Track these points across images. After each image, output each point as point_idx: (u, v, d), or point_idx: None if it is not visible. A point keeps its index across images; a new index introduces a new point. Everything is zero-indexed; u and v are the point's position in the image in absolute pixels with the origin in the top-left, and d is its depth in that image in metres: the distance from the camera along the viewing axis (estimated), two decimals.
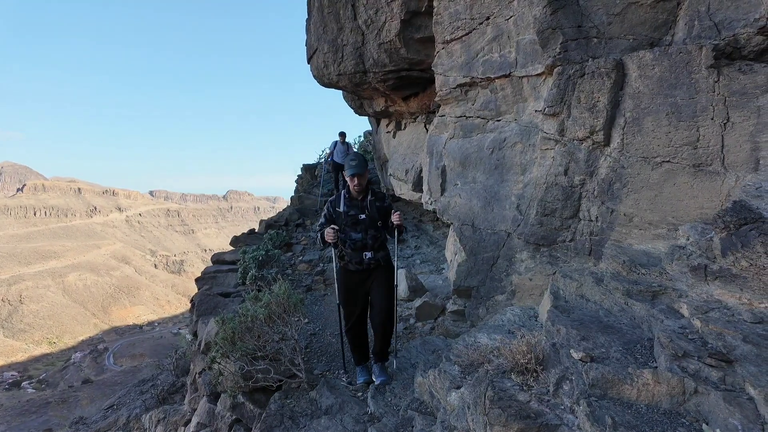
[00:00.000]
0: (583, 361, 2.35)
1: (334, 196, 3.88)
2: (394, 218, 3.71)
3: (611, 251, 3.32)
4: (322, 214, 3.87)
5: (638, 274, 2.98)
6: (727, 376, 1.96)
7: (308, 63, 9.86)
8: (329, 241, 3.63)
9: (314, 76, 9.74)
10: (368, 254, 3.77)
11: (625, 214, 3.35)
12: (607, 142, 3.48)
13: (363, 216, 3.74)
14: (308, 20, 9.42)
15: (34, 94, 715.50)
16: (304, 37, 9.96)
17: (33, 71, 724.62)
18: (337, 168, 11.88)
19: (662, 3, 3.41)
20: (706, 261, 2.51)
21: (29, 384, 36.00)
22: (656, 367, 2.18)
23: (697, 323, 2.26)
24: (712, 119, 2.90)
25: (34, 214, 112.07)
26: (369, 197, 3.80)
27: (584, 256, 3.63)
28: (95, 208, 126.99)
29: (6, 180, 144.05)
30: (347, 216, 3.74)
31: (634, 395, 2.11)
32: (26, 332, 61.31)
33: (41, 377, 38.62)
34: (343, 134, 11.95)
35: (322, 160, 13.28)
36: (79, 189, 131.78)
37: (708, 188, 2.90)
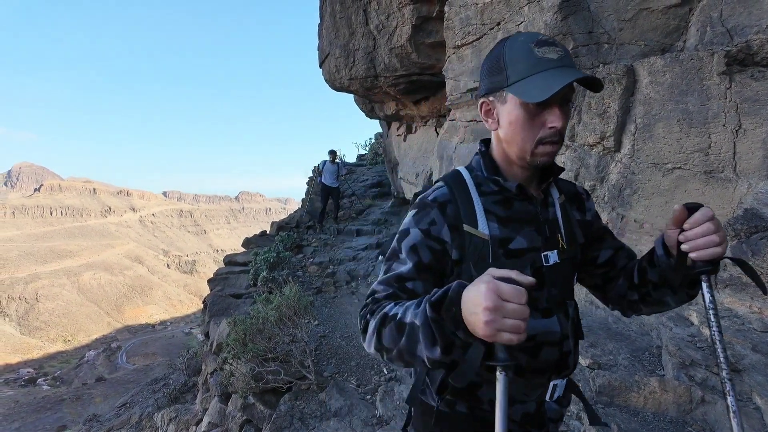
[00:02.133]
0: (590, 368, 2.36)
1: (436, 191, 1.02)
2: (708, 252, 0.89)
3: None
4: (401, 247, 0.97)
5: None
6: (734, 385, 1.96)
7: (320, 67, 9.98)
8: (513, 340, 0.68)
9: (326, 81, 9.86)
10: (559, 385, 1.10)
11: (635, 221, 3.34)
12: (618, 148, 3.47)
13: (552, 254, 1.03)
14: (320, 25, 9.54)
15: (45, 95, 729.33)
16: (317, 41, 10.09)
17: (42, 72, 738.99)
18: (327, 192, 10.06)
19: (674, 9, 3.41)
20: None
21: (44, 381, 36.64)
22: (664, 375, 2.18)
23: (706, 331, 2.25)
24: (723, 126, 2.89)
25: (51, 214, 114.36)
26: (553, 194, 1.11)
27: None
28: (110, 208, 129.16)
29: (24, 180, 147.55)
30: (509, 255, 0.97)
31: (641, 403, 2.11)
32: (42, 330, 62.50)
33: (56, 374, 39.27)
34: (333, 153, 10.22)
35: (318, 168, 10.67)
36: (94, 189, 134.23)
37: (719, 195, 2.88)
